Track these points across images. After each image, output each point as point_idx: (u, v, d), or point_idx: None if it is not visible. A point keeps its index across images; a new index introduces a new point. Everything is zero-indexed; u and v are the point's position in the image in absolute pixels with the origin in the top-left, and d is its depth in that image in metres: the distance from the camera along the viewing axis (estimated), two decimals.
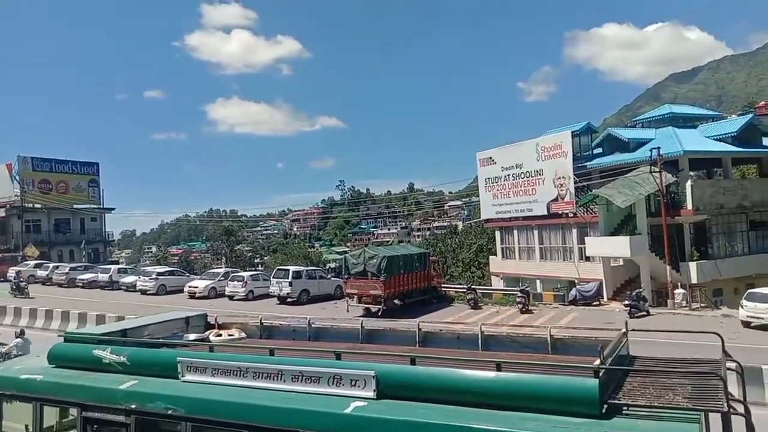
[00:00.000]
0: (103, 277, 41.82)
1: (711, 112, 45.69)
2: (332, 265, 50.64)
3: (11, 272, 41.43)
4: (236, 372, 6.29)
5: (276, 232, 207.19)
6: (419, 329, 7.93)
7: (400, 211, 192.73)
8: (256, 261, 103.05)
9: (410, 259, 31.25)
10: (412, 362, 5.79)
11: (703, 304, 29.48)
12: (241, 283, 35.17)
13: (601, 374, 4.79)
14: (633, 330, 6.30)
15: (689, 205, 31.16)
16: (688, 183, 31.58)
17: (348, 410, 5.42)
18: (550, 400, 4.83)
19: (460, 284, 39.15)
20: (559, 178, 36.40)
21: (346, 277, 30.60)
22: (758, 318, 23.34)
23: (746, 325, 23.67)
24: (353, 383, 5.68)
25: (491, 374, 5.29)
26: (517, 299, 29.83)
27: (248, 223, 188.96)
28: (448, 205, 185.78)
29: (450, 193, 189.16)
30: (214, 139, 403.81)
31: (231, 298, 34.90)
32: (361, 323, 8.46)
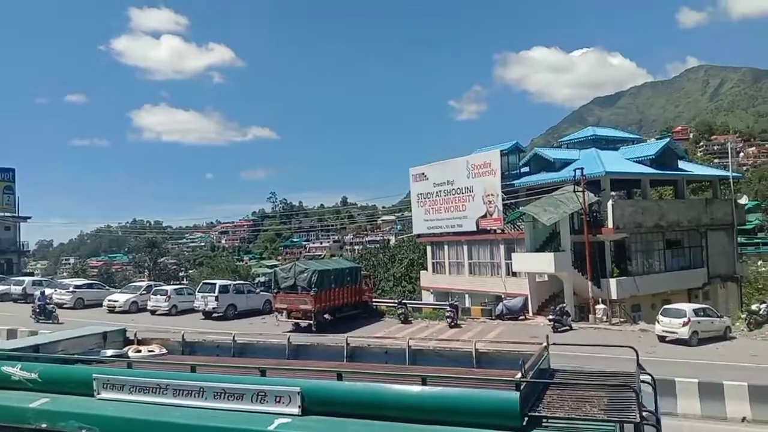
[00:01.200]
0: (16, 289, 39.46)
1: (631, 135, 48.07)
2: (262, 279, 49.73)
3: None
4: (155, 389, 6.05)
5: (203, 244, 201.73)
6: (347, 344, 7.89)
7: (332, 225, 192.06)
8: (181, 274, 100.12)
9: (342, 274, 31.08)
10: (339, 378, 5.74)
11: (622, 319, 30.77)
12: (164, 297, 33.95)
13: (522, 387, 4.90)
14: (554, 344, 6.49)
15: (610, 223, 32.52)
16: (609, 202, 33.00)
17: (272, 427, 5.32)
18: (473, 413, 4.89)
19: (392, 299, 39.29)
20: (488, 195, 37.28)
21: (275, 291, 30.08)
22: (672, 333, 24.59)
23: (662, 339, 24.87)
24: (278, 400, 5.57)
25: (417, 388, 5.31)
26: (447, 313, 30.19)
27: (174, 234, 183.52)
28: (382, 220, 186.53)
29: (383, 207, 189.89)
30: (139, 146, 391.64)
31: (153, 312, 33.60)
32: (288, 338, 8.31)
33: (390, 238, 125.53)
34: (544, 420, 4.91)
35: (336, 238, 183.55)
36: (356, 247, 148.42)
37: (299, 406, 5.47)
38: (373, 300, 35.39)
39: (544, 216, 31.79)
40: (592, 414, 4.88)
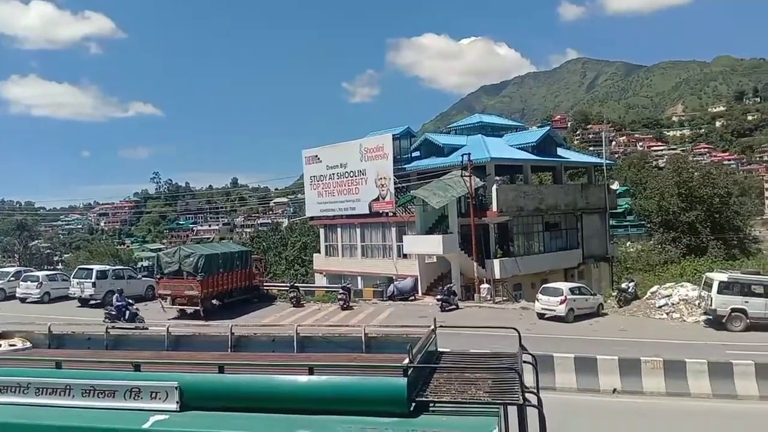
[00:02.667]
0: None
1: (515, 123, 50.18)
2: (145, 263, 47.27)
3: None
4: (15, 388, 5.45)
5: (80, 227, 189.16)
6: (232, 333, 7.51)
7: (222, 207, 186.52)
8: (55, 259, 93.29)
9: (231, 258, 30.21)
10: (221, 370, 5.42)
11: (505, 298, 32.29)
12: (35, 283, 31.52)
13: (409, 372, 4.85)
14: (441, 326, 6.52)
15: (494, 207, 33.86)
16: (494, 187, 34.33)
17: (147, 425, 4.93)
18: (361, 401, 4.78)
19: (284, 282, 38.81)
20: (381, 178, 37.58)
21: (158, 276, 28.73)
22: (550, 310, 26.08)
23: (541, 316, 26.32)
24: (153, 396, 5.17)
25: (303, 378, 5.12)
26: (339, 296, 30.26)
27: (47, 216, 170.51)
28: (274, 202, 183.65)
29: (276, 189, 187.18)
30: (5, 121, 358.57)
31: (23, 300, 31.17)
32: (167, 329, 7.79)
33: (283, 221, 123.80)
34: (431, 405, 4.90)
35: (226, 220, 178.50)
36: (247, 230, 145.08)
37: (177, 402, 5.11)
38: (265, 284, 34.82)
39: (433, 199, 32.53)
40: (478, 397, 4.93)
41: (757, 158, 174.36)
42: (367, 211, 38.57)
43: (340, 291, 30.53)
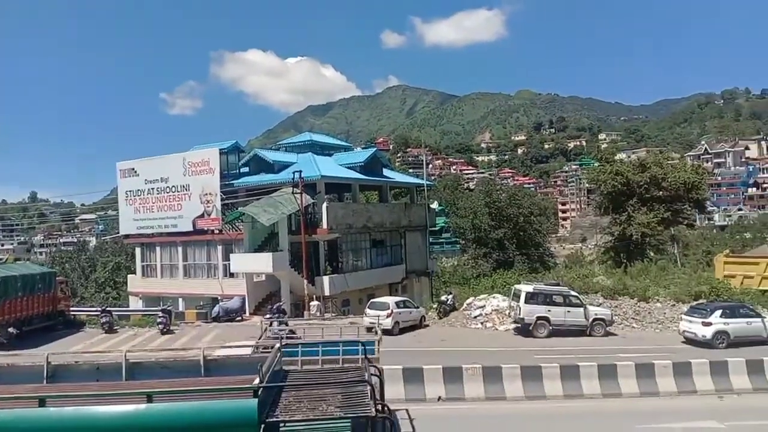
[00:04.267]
0: None
1: (343, 143, 51.26)
2: None
3: None
4: None
5: None
6: (48, 363, 6.62)
7: (18, 224, 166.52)
8: None
9: (31, 280, 27.03)
10: (41, 403, 4.73)
11: (334, 314, 32.53)
12: None
13: (259, 393, 4.66)
14: (287, 343, 6.38)
15: (324, 224, 34.13)
16: (324, 205, 34.64)
17: None
18: (209, 426, 4.48)
19: (93, 306, 35.45)
20: (206, 194, 36.12)
21: None
22: (378, 324, 26.73)
23: (368, 330, 26.80)
24: None
25: (141, 407, 4.66)
26: (158, 320, 28.37)
27: None
28: (80, 219, 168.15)
29: (83, 205, 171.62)
30: None
31: None
32: None
33: (91, 240, 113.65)
34: (282, 425, 4.74)
35: (22, 239, 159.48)
36: (48, 249, 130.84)
37: None
38: (71, 309, 31.56)
39: (263, 216, 31.95)
40: (329, 412, 4.87)
41: (552, 182, 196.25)
42: (191, 229, 36.83)
43: (160, 314, 28.63)
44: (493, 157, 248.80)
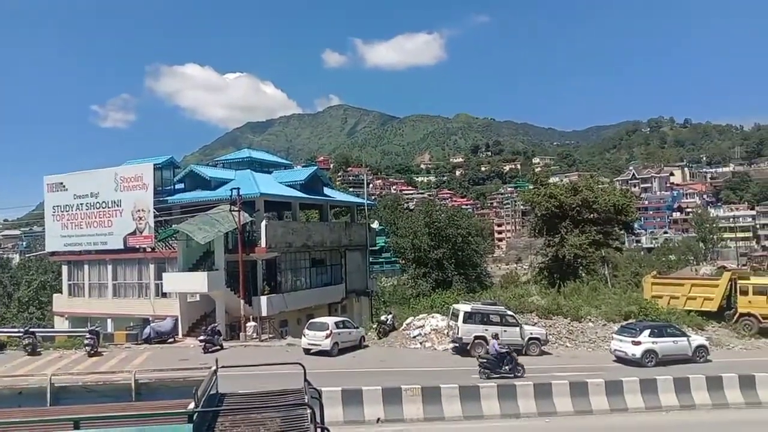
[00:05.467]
0: None
1: (283, 161, 50.73)
2: None
3: None
4: None
5: None
6: None
7: None
8: None
9: None
10: None
11: (271, 335, 31.89)
12: None
13: (195, 418, 4.40)
14: (223, 366, 6.10)
15: (263, 243, 33.50)
16: (263, 223, 34.04)
17: None
18: None
19: (15, 327, 33.47)
20: (139, 210, 34.92)
21: None
22: (316, 345, 26.36)
23: (307, 351, 26.41)
24: None
25: None
26: (86, 341, 27.01)
27: None
28: (3, 235, 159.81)
29: (5, 220, 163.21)
30: None
31: None
32: None
33: (14, 257, 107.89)
34: None
35: None
36: None
37: None
38: None
39: (198, 234, 31.10)
40: None
41: (489, 204, 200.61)
42: (122, 246, 35.46)
43: (88, 335, 27.26)
44: (432, 178, 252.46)
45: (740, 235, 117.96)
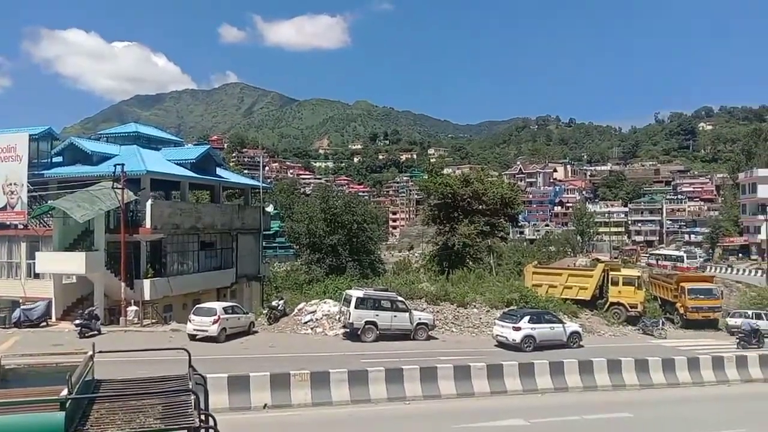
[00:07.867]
0: None
1: (173, 138, 48.54)
2: None
3: None
4: None
5: None
6: None
7: None
8: None
9: None
10: None
11: (154, 320, 30.61)
12: None
13: (68, 405, 4.16)
14: (101, 351, 5.79)
15: (148, 223, 31.91)
16: (149, 202, 32.43)
17: None
18: None
19: None
20: (10, 184, 32.20)
21: None
22: (203, 330, 25.65)
23: (192, 337, 25.64)
24: None
25: None
26: None
27: None
28: None
29: None
30: None
31: None
32: None
33: None
34: None
35: None
36: None
37: None
38: None
39: (77, 212, 29.16)
40: (148, 424, 4.49)
41: (385, 192, 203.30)
42: None
43: None
44: (330, 164, 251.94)
45: (614, 229, 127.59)
